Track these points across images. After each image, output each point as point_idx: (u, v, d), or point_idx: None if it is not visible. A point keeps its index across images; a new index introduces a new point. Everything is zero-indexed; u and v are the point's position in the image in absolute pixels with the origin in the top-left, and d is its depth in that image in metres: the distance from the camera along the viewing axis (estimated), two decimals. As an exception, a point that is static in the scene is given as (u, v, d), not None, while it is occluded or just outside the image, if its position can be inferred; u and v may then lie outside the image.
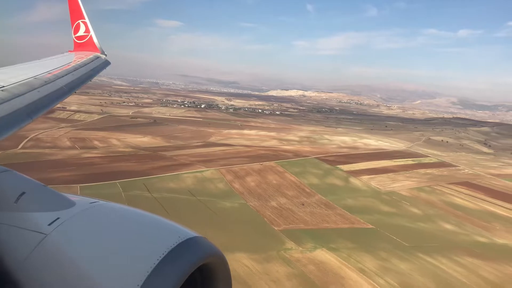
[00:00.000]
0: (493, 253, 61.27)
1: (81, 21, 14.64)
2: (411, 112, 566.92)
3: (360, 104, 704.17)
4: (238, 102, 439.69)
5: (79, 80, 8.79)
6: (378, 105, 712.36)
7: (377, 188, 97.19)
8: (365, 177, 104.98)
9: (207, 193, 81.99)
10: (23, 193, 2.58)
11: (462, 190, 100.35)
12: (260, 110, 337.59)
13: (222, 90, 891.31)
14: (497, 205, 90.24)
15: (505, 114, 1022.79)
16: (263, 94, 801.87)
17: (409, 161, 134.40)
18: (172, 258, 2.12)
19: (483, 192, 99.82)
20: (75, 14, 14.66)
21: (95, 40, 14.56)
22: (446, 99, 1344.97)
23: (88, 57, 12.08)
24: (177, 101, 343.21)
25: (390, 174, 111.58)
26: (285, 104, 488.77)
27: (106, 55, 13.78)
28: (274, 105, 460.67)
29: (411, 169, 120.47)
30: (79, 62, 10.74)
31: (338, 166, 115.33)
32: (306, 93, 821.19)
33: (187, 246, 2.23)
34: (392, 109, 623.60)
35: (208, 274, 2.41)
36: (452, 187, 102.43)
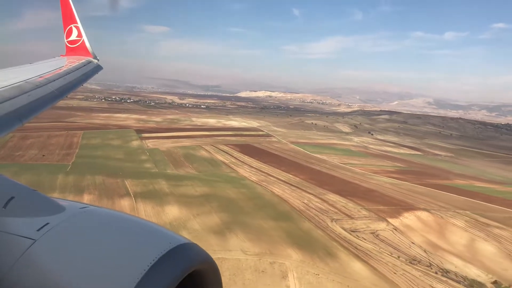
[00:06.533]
0: (134, 175, 78.62)
1: (74, 26, 14.69)
2: (368, 109, 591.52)
3: (322, 103, 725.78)
4: (188, 101, 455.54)
5: (71, 84, 8.86)
6: (339, 104, 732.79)
7: (147, 146, 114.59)
8: (149, 141, 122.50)
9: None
10: (12, 197, 2.56)
11: (224, 148, 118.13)
12: (188, 105, 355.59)
13: (198, 92, 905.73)
14: (233, 156, 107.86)
15: (477, 113, 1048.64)
16: (231, 95, 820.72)
17: (227, 132, 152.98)
18: (163, 264, 2.10)
19: (240, 149, 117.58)
20: (68, 19, 14.77)
21: (87, 44, 14.64)
22: (423, 99, 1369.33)
23: (80, 62, 12.18)
24: (110, 97, 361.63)
25: (184, 139, 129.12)
26: (239, 103, 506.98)
27: (98, 60, 13.91)
28: (227, 103, 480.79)
29: (213, 137, 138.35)
30: (71, 67, 10.81)
31: (142, 134, 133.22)
32: (273, 94, 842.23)
33: (177, 252, 2.22)
34: (351, 108, 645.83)
35: (199, 280, 2.42)
36: (222, 146, 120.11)
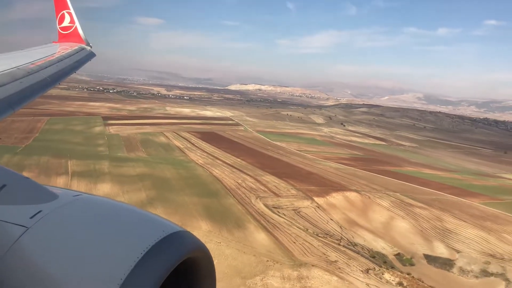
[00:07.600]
0: (81, 156, 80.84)
1: (66, 12, 14.36)
2: (356, 103, 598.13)
3: (311, 97, 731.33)
4: (174, 92, 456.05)
5: (63, 72, 8.76)
6: (327, 99, 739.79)
7: (108, 132, 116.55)
8: (113, 127, 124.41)
9: None
10: (4, 185, 2.55)
11: (186, 134, 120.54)
12: (171, 96, 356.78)
13: (189, 85, 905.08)
14: (190, 142, 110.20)
15: (466, 108, 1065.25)
16: (221, 88, 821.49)
17: (197, 121, 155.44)
18: (156, 252, 2.11)
19: (201, 136, 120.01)
20: (60, 4, 14.47)
21: (80, 31, 14.33)
22: (413, 94, 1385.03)
23: (73, 48, 11.94)
24: (94, 88, 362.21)
25: (148, 126, 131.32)
26: (226, 95, 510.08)
27: (91, 47, 13.60)
28: (214, 95, 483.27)
29: (179, 125, 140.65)
30: (63, 53, 10.63)
31: (108, 121, 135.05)
32: (263, 87, 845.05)
33: (171, 240, 2.23)
34: (339, 102, 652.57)
35: (192, 267, 2.44)
36: (183, 133, 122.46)
